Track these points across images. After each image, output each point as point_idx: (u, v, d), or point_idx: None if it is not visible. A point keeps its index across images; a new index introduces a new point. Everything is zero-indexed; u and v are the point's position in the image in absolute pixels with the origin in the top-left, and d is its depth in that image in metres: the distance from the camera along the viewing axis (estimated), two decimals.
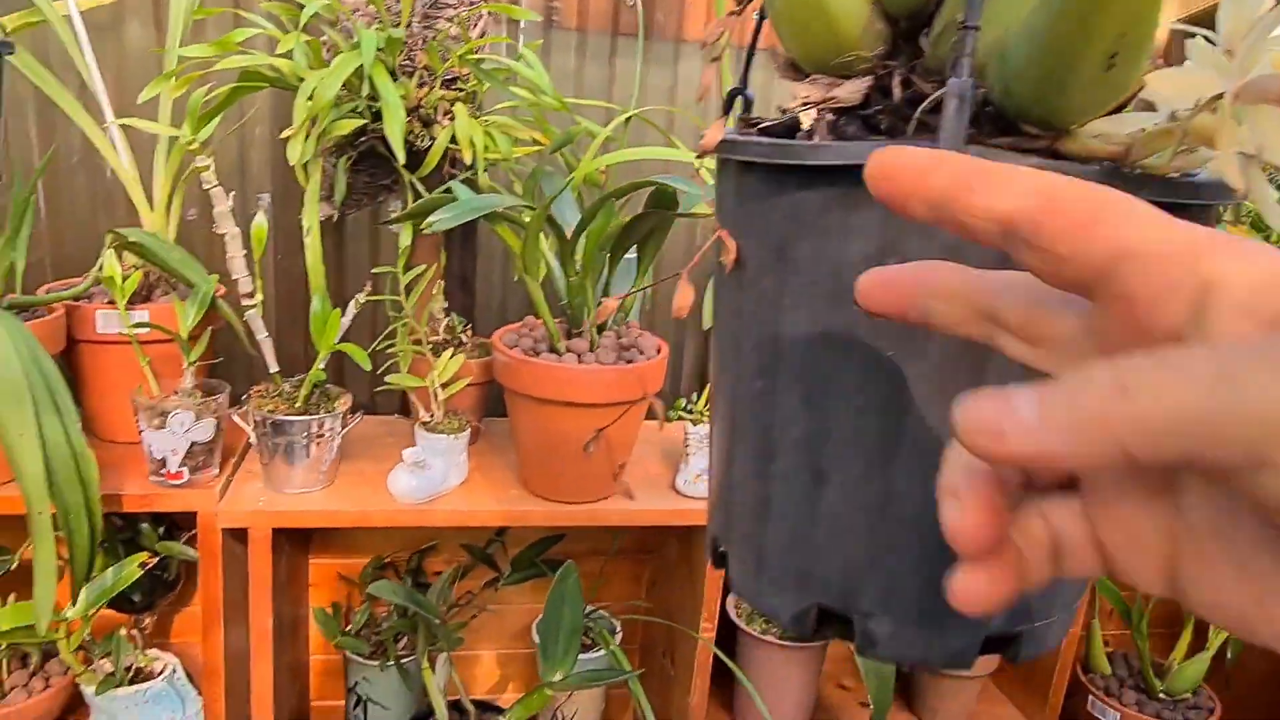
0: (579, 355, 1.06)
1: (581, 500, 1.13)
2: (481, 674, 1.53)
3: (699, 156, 0.44)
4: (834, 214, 0.38)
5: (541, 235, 1.07)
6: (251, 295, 1.08)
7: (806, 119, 0.44)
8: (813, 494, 0.41)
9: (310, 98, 0.94)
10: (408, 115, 1.09)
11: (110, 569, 1.08)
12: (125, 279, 1.05)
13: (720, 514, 0.48)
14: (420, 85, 1.11)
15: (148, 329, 1.07)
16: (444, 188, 1.06)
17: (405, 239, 1.08)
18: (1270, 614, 0.20)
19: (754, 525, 0.45)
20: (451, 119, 1.09)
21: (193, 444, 1.05)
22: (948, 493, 0.24)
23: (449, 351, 1.12)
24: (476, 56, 1.11)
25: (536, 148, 1.16)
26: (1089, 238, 0.21)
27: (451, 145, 1.09)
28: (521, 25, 1.31)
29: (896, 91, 0.42)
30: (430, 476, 1.09)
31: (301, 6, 1.01)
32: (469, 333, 1.24)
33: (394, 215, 1.15)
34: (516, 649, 1.53)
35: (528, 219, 1.02)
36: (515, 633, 1.51)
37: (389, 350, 1.13)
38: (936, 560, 0.35)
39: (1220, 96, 0.30)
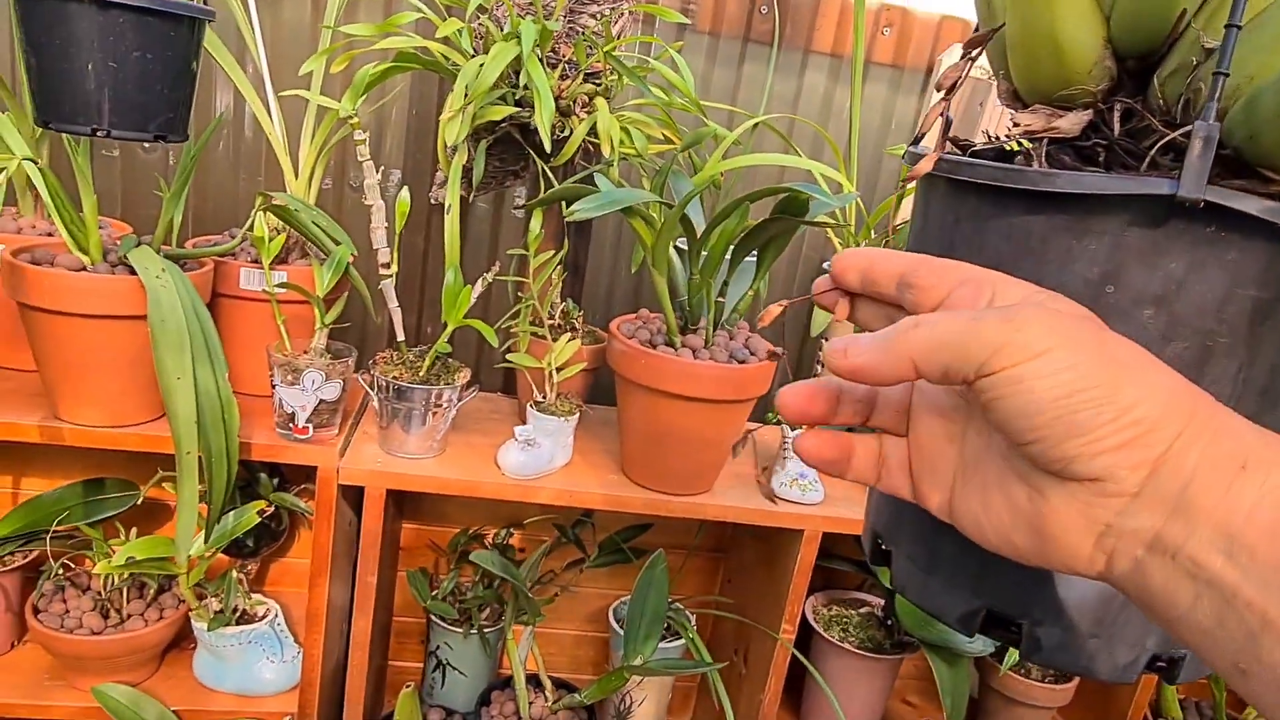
0: (694, 351, 1.09)
1: (682, 493, 1.16)
2: (556, 652, 1.57)
3: (908, 181, 0.46)
4: (1058, 239, 0.40)
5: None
6: (389, 266, 1.13)
7: (1014, 145, 0.46)
8: None
9: (471, 81, 0.98)
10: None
11: (231, 513, 1.14)
12: (271, 240, 1.11)
13: (887, 513, 0.51)
14: (563, 78, 1.15)
15: (286, 289, 1.12)
16: (579, 177, 1.09)
17: (536, 225, 1.12)
18: (1009, 535, 0.32)
19: (929, 526, 0.47)
20: (589, 112, 1.13)
21: (320, 401, 1.11)
22: (795, 384, 0.38)
23: (566, 335, 1.16)
24: (618, 54, 1.15)
25: (667, 146, 1.19)
26: (944, 272, 0.34)
27: (587, 138, 1.13)
28: (656, 26, 1.35)
29: (1116, 127, 0.44)
30: (539, 454, 1.13)
31: None
32: (581, 319, 1.28)
33: (526, 201, 1.19)
34: (590, 631, 1.56)
35: (656, 214, 1.06)
36: (590, 615, 1.55)
37: (509, 329, 1.17)
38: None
39: None
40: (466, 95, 1.00)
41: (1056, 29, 0.43)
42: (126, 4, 0.76)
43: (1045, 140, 0.45)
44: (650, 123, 1.17)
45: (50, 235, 1.16)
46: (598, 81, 1.19)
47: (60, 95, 0.77)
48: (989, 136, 0.49)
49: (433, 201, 1.28)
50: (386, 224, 1.12)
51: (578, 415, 1.17)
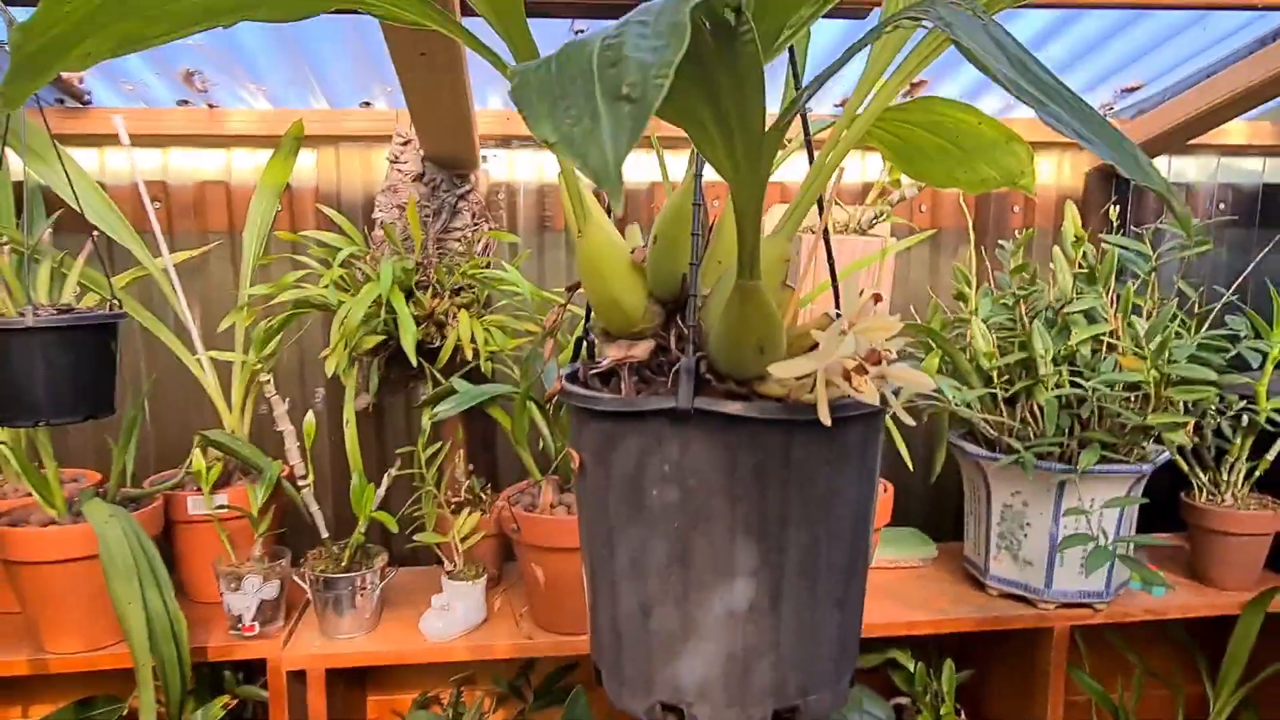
0: (568, 508, 1.28)
1: (584, 632, 1.32)
2: None
3: (548, 400, 0.67)
4: (622, 436, 0.60)
5: (534, 407, 1.31)
6: (305, 477, 1.34)
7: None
8: (643, 623, 0.62)
9: (341, 322, 1.21)
10: (426, 321, 1.36)
11: (200, 711, 1.31)
12: (209, 470, 1.32)
13: (594, 642, 0.69)
14: (434, 296, 1.39)
15: (226, 509, 1.33)
16: (442, 389, 1.31)
17: (425, 421, 1.33)
18: None
19: (613, 647, 0.65)
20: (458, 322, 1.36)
21: (262, 601, 1.29)
22: None
23: (466, 510, 1.35)
24: (479, 271, 1.39)
25: (530, 337, 1.42)
26: None
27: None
28: (511, 244, 1.60)
29: (674, 351, 0.65)
30: (454, 618, 1.30)
31: (338, 249, 1.30)
32: (488, 491, 1.48)
33: (421, 402, 1.40)
34: None
35: (516, 398, 1.27)
36: None
37: (419, 514, 1.37)
38: (730, 660, 0.57)
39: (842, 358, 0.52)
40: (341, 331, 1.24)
41: (614, 294, 0.64)
42: (55, 327, 1.00)
43: (627, 364, 0.66)
44: (511, 320, 1.40)
45: (29, 496, 1.38)
46: (472, 293, 1.42)
47: (6, 399, 1.01)
48: (600, 361, 0.70)
49: (358, 409, 1.50)
50: (299, 442, 1.34)
51: (485, 578, 1.35)
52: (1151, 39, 1.39)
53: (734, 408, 0.56)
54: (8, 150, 1.27)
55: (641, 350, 0.65)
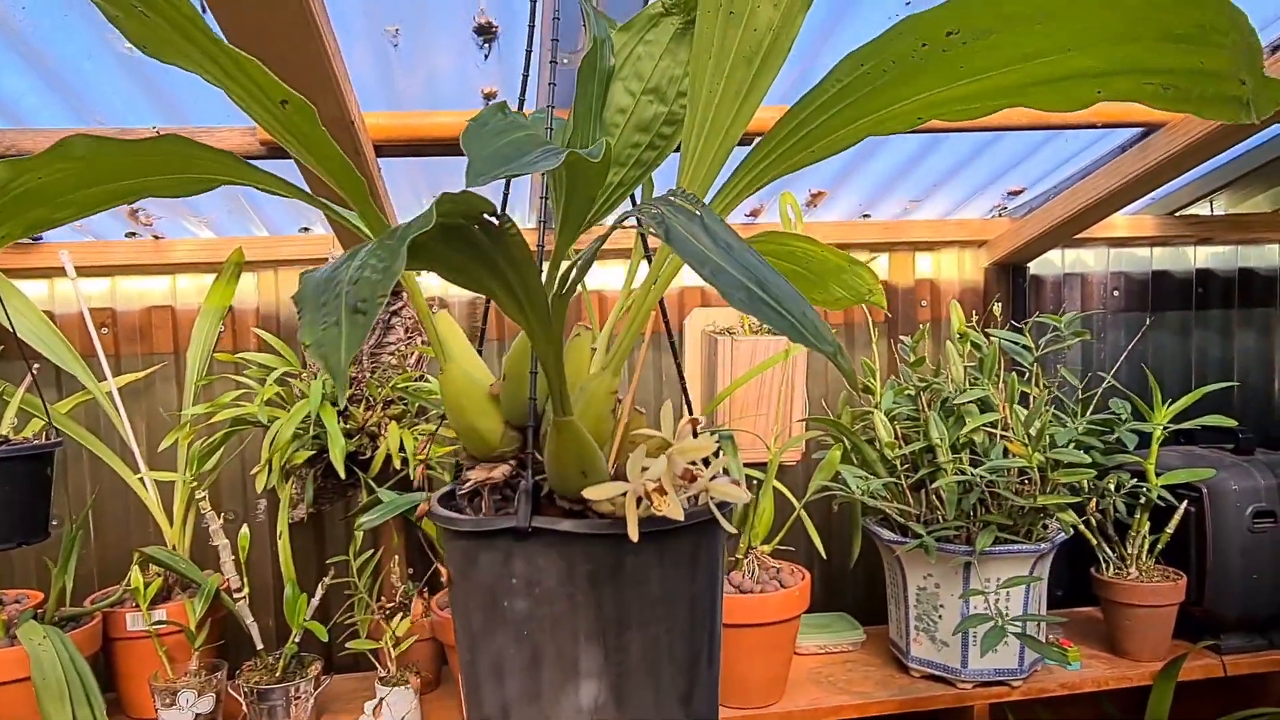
0: None
1: None
2: None
3: (418, 519, 0.74)
4: (478, 551, 0.67)
5: None
6: (240, 589, 1.39)
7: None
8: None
9: (272, 439, 1.28)
10: (359, 433, 1.43)
11: None
12: (147, 586, 1.37)
13: None
14: (367, 409, 1.46)
15: (165, 625, 1.37)
16: (367, 502, 1.37)
17: (358, 533, 1.39)
18: None
19: None
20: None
21: (197, 716, 1.32)
22: None
23: (399, 615, 1.40)
24: (410, 384, 1.47)
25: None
26: None
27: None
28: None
29: (530, 474, 0.72)
30: None
31: (273, 369, 1.38)
32: (424, 594, 1.52)
33: (351, 512, 1.46)
34: None
35: None
36: None
37: (351, 621, 1.41)
38: None
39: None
40: (273, 447, 1.31)
41: (473, 423, 0.72)
42: (6, 456, 1.07)
43: (488, 485, 0.73)
44: (443, 430, 1.47)
45: None
46: (403, 405, 1.50)
47: None
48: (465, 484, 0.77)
49: (292, 520, 1.55)
50: (234, 555, 1.39)
51: (417, 680, 1.38)
52: (1025, 148, 1.53)
53: (566, 525, 0.63)
54: None
55: (499, 473, 0.73)
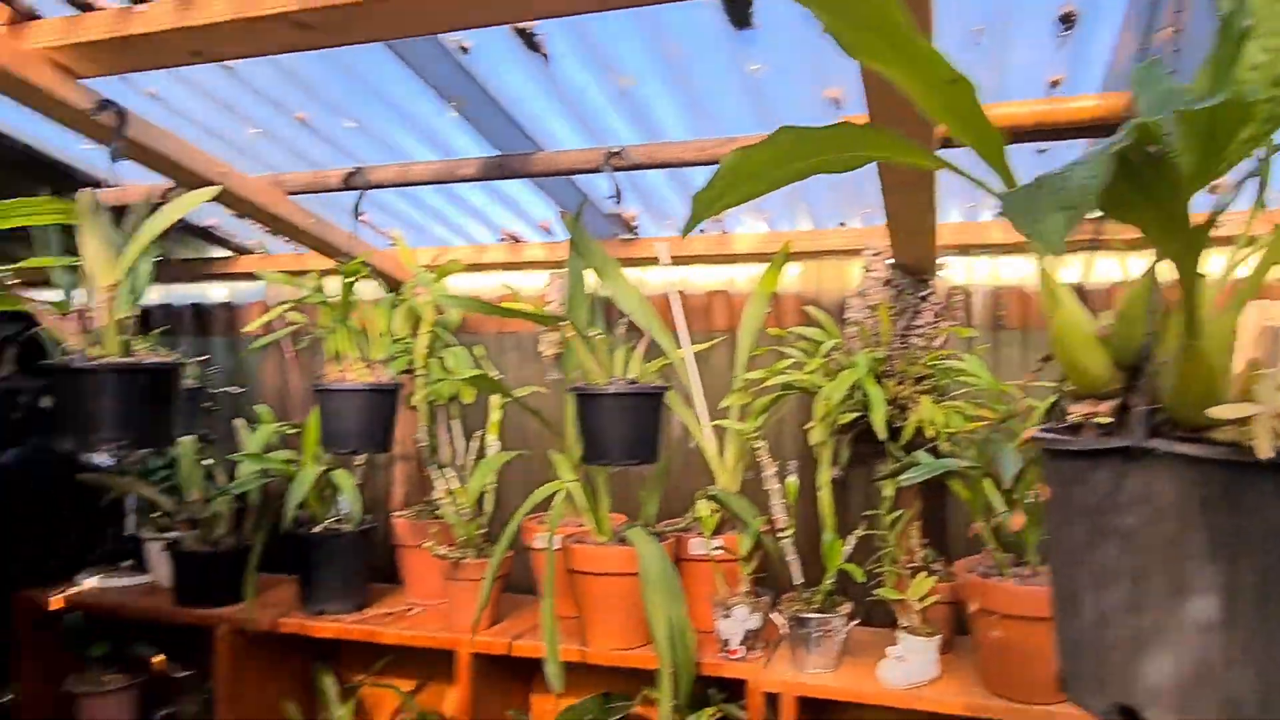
0: (1023, 578, 1.37)
1: (1035, 701, 1.38)
2: None
3: (1022, 443, 0.83)
4: (1082, 473, 0.75)
5: (990, 484, 1.44)
6: (785, 529, 1.61)
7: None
8: (1101, 634, 0.75)
9: (824, 401, 1.48)
10: (889, 405, 1.57)
11: (693, 716, 1.60)
12: (711, 517, 1.65)
13: (1059, 650, 0.82)
14: (898, 383, 1.60)
15: (721, 551, 1.64)
16: (905, 461, 1.50)
17: (888, 491, 1.53)
18: None
19: (1074, 655, 0.79)
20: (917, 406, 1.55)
21: (747, 630, 1.57)
22: None
23: (922, 574, 1.50)
24: (938, 362, 1.57)
25: (984, 422, 1.55)
26: None
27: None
28: (967, 339, 1.76)
29: (1134, 409, 0.78)
30: (908, 669, 1.45)
31: (819, 343, 1.58)
32: (942, 563, 1.61)
33: (882, 474, 1.61)
34: None
35: (975, 473, 1.41)
36: None
37: (878, 570, 1.56)
38: (1182, 672, 0.69)
39: None
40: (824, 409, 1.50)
41: (1083, 360, 0.80)
42: (637, 393, 1.40)
43: (1093, 419, 0.80)
44: (968, 407, 1.55)
45: (580, 526, 1.83)
46: (931, 381, 1.61)
47: (590, 446, 1.41)
48: (1068, 417, 0.84)
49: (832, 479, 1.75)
50: (783, 499, 1.61)
51: (938, 638, 1.48)
52: None
53: (1184, 448, 0.68)
54: (587, 271, 1.77)
55: (1105, 407, 0.80)
